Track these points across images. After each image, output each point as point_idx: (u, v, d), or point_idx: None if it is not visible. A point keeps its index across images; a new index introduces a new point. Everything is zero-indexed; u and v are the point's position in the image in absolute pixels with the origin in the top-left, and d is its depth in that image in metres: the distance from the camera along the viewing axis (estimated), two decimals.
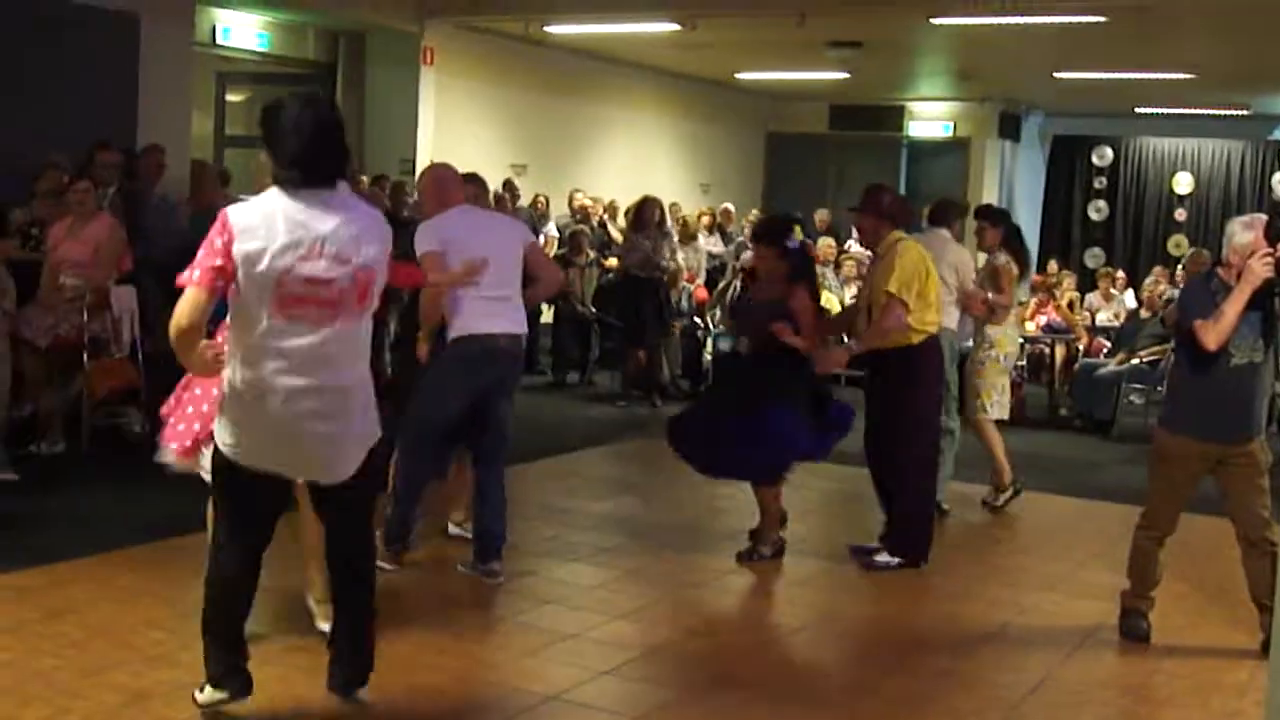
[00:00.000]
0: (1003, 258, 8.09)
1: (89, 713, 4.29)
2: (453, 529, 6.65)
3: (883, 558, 6.63)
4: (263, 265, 3.81)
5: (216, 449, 4.07)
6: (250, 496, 4.07)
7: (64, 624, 5.10)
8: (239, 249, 3.80)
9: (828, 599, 6.34)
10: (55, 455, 7.98)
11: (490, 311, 5.97)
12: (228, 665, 4.17)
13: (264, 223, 3.84)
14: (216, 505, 4.17)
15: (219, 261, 3.81)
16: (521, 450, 7.17)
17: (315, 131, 3.92)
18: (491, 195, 13.35)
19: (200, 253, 3.85)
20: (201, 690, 4.20)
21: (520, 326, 6.13)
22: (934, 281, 6.63)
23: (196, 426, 4.64)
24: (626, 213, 12.42)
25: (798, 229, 6.73)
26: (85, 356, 8.08)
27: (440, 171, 6.37)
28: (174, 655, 4.81)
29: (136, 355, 8.54)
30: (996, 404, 8.10)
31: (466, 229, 5.98)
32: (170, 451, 4.73)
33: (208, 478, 4.28)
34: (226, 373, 3.94)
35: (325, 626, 4.68)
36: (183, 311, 3.82)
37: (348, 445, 4.07)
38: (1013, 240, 8.28)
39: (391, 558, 5.93)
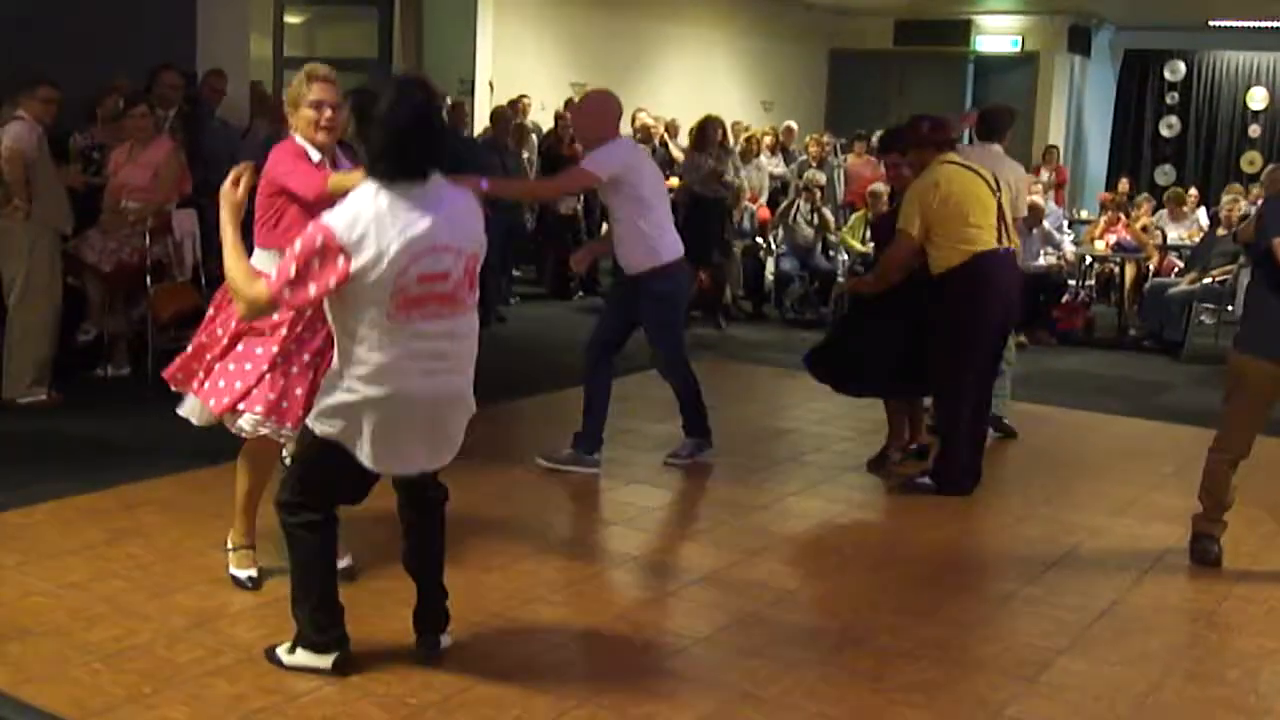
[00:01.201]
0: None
1: (156, 634, 4.33)
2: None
3: (922, 479, 6.56)
4: (378, 273, 3.66)
5: (318, 439, 3.94)
6: (352, 483, 4.04)
7: (132, 546, 5.16)
8: (356, 265, 3.65)
9: (891, 522, 6.29)
10: (120, 378, 8.06)
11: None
12: (331, 630, 4.09)
13: (374, 229, 3.66)
14: (307, 488, 4.00)
15: (334, 282, 3.66)
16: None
17: (410, 124, 3.73)
18: (552, 115, 13.34)
19: (294, 266, 3.67)
20: (292, 651, 4.10)
21: None
22: (957, 203, 6.30)
23: (238, 385, 4.43)
24: (691, 132, 12.28)
25: None
26: (148, 280, 8.11)
27: (611, 102, 6.56)
28: None
29: (199, 278, 8.57)
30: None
31: (641, 158, 6.66)
32: (205, 408, 4.56)
33: (241, 433, 4.49)
34: (344, 382, 3.84)
35: (244, 573, 4.78)
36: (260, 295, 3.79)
37: (462, 423, 4.09)
38: None
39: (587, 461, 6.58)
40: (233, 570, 4.82)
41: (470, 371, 4.04)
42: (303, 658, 4.08)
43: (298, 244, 3.71)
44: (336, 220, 3.69)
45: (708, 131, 11.64)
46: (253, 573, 4.79)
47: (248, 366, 4.45)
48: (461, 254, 3.83)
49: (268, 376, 4.42)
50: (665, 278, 6.47)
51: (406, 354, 3.80)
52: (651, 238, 6.41)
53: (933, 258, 6.38)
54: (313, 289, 3.69)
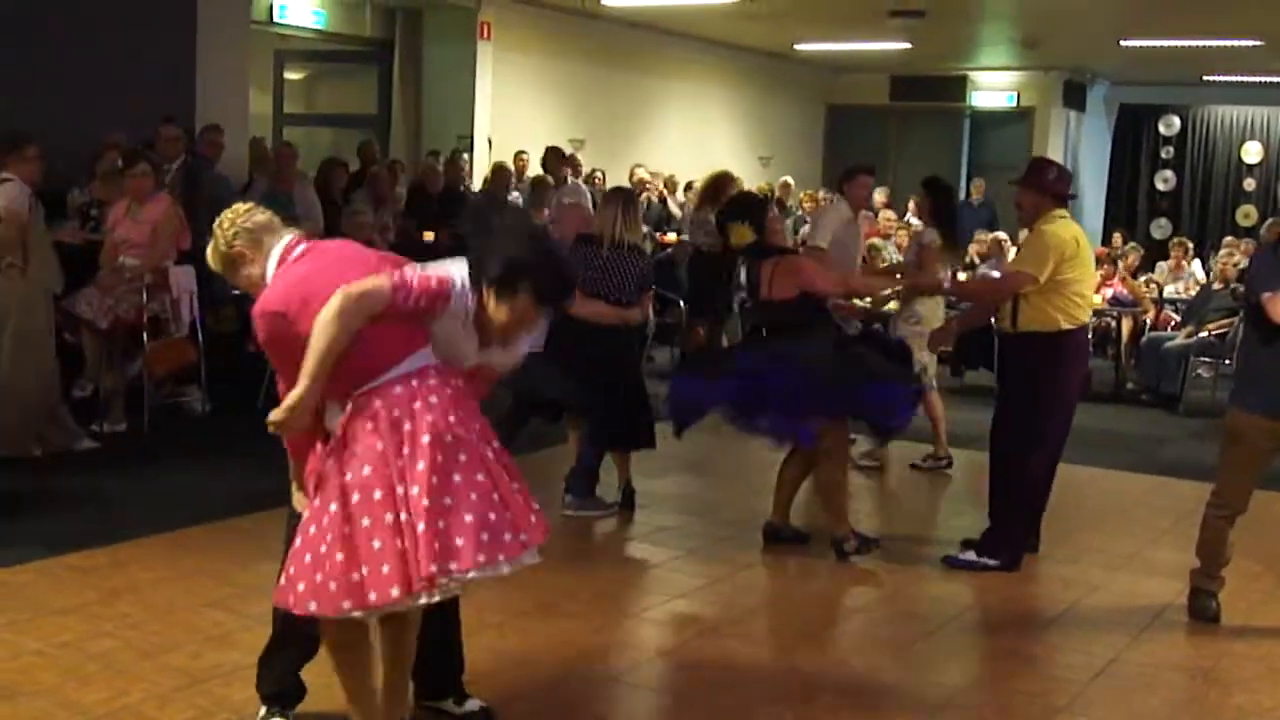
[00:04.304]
0: (929, 235, 8.13)
1: (147, 694, 4.30)
2: None
3: (968, 555, 6.29)
4: None
5: None
6: None
7: (124, 605, 5.13)
8: None
9: (889, 580, 6.25)
10: (116, 435, 8.03)
11: None
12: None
13: None
14: None
15: None
16: None
17: None
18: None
19: None
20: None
21: None
22: (1083, 268, 6.10)
23: None
24: (705, 188, 12.18)
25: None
26: (145, 336, 8.12)
27: None
28: (234, 636, 4.82)
29: (196, 334, 8.58)
30: (932, 376, 8.27)
31: None
32: None
33: None
34: None
35: None
36: None
37: None
38: (941, 214, 8.22)
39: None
40: None
41: None
42: None
43: None
44: None
45: (723, 187, 11.48)
46: None
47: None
48: None
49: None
50: None
51: None
52: None
53: (1024, 310, 6.10)
54: None
